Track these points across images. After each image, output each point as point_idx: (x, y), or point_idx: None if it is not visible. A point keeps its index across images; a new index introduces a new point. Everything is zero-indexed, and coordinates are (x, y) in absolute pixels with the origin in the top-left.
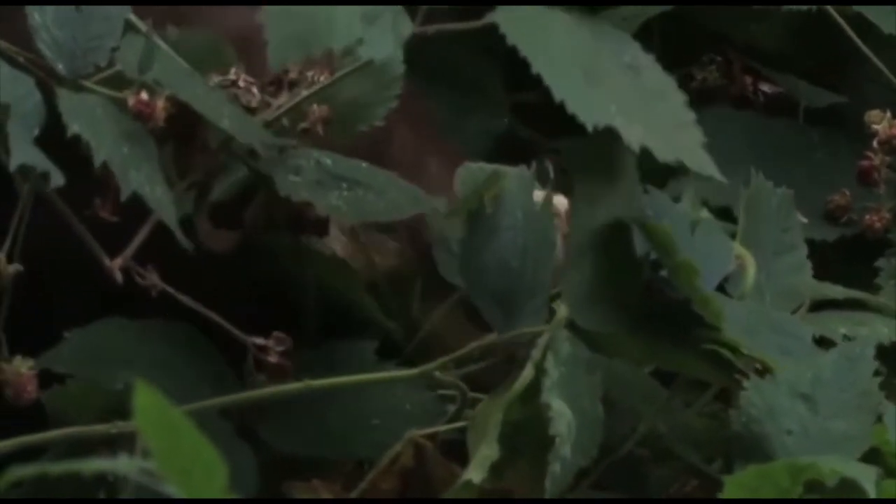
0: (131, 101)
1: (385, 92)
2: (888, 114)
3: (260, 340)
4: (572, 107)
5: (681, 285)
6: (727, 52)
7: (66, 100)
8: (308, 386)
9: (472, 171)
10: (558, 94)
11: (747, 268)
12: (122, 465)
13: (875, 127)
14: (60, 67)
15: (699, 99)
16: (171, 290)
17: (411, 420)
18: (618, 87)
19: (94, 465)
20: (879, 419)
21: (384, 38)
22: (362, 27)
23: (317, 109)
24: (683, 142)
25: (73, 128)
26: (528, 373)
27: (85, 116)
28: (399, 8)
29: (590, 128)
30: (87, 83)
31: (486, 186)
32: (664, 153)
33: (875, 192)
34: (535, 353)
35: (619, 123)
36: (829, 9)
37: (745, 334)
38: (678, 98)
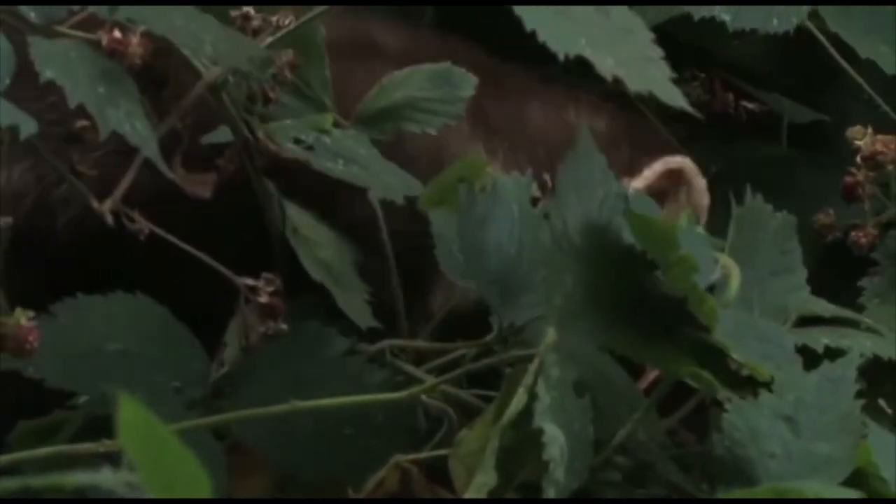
0: (104, 41)
1: (448, 106)
2: (870, 130)
3: (250, 281)
4: (543, 35)
5: (677, 282)
6: (710, 69)
7: (39, 46)
8: (294, 407)
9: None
10: (529, 23)
11: (731, 277)
12: (106, 479)
13: (857, 143)
14: (33, 16)
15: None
16: (160, 231)
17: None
18: (587, 21)
19: (79, 480)
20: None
21: None
22: None
23: (283, 55)
24: (653, 75)
25: (46, 74)
26: (520, 398)
27: (58, 61)
28: None
29: (561, 56)
30: (60, 28)
31: (472, 176)
32: (635, 84)
33: (859, 209)
34: (527, 378)
35: (590, 54)
36: (811, 27)
37: (732, 340)
38: (646, 35)
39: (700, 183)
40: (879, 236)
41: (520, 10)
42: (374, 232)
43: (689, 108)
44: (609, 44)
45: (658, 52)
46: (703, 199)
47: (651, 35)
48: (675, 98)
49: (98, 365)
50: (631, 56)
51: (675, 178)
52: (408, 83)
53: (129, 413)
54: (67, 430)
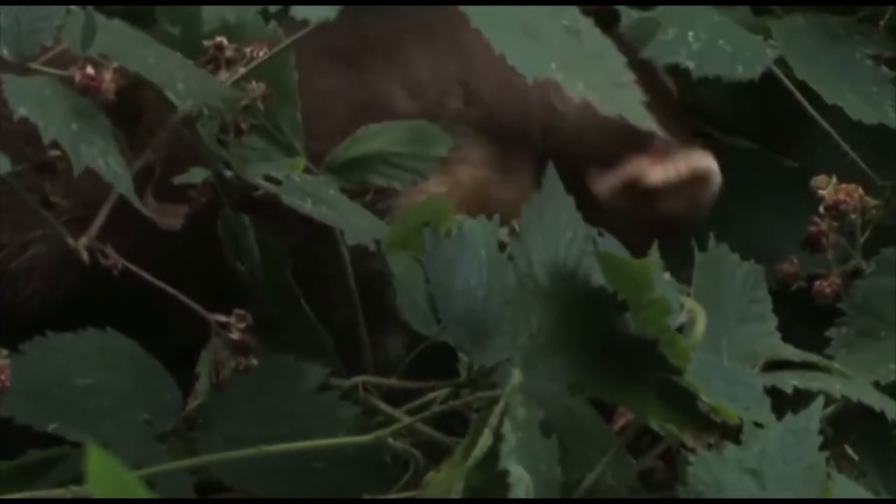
0: (77, 77)
1: (419, 163)
2: (834, 179)
3: (222, 317)
4: (512, 59)
5: (648, 324)
6: None
7: (12, 83)
8: (262, 452)
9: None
10: (498, 46)
11: (697, 320)
12: None
13: (821, 192)
14: (5, 52)
15: None
16: (133, 267)
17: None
18: (558, 46)
19: None
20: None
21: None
22: None
23: (256, 86)
24: (625, 99)
25: (20, 111)
26: (486, 439)
27: (32, 98)
28: None
29: (530, 80)
30: (34, 65)
31: (436, 220)
32: (607, 108)
33: (823, 258)
34: (493, 420)
35: (560, 78)
36: (779, 74)
37: (701, 382)
38: (618, 60)
39: (716, 186)
40: (844, 286)
41: (490, 32)
42: (340, 272)
43: (659, 132)
44: (580, 68)
45: (630, 76)
46: (710, 200)
47: (623, 59)
48: (646, 122)
49: (66, 401)
50: (603, 80)
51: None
52: (382, 136)
53: (99, 463)
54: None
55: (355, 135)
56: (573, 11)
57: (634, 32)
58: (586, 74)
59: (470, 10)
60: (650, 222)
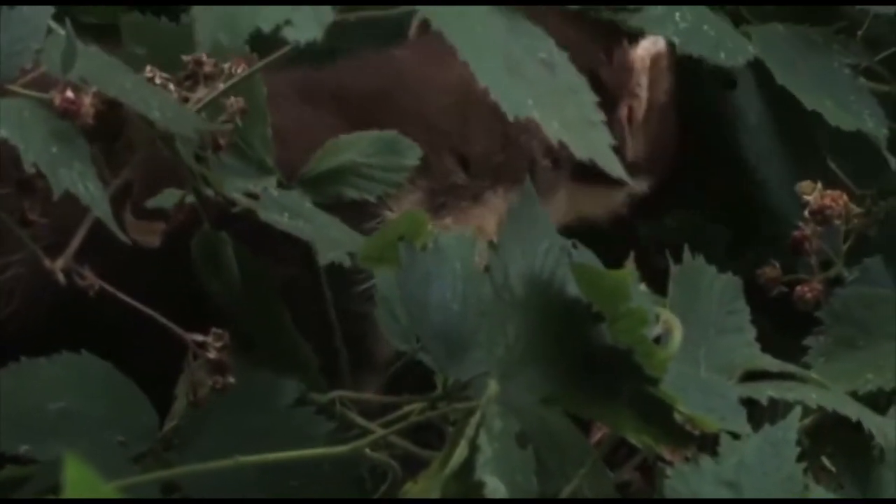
0: (57, 100)
1: (391, 174)
2: (819, 185)
3: (199, 337)
4: (495, 95)
5: (624, 334)
6: None
7: None
8: (238, 462)
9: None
10: (483, 80)
11: (674, 332)
12: None
13: (806, 198)
14: None
15: None
16: (110, 288)
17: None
18: (534, 80)
19: None
20: None
21: (309, 22)
22: (289, 9)
23: (234, 102)
24: (595, 140)
25: (1, 133)
26: (462, 450)
27: (12, 120)
28: None
29: (511, 118)
30: (13, 87)
31: (413, 234)
32: (580, 149)
33: (806, 263)
34: (469, 431)
35: (538, 117)
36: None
37: (677, 392)
38: (590, 97)
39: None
40: (825, 292)
41: (475, 67)
42: (315, 287)
43: (626, 179)
44: (554, 103)
45: (600, 115)
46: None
47: (594, 97)
48: (614, 167)
49: (40, 425)
50: (574, 118)
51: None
52: (352, 148)
53: (76, 474)
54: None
55: (325, 147)
56: (549, 43)
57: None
58: (560, 111)
59: (459, 42)
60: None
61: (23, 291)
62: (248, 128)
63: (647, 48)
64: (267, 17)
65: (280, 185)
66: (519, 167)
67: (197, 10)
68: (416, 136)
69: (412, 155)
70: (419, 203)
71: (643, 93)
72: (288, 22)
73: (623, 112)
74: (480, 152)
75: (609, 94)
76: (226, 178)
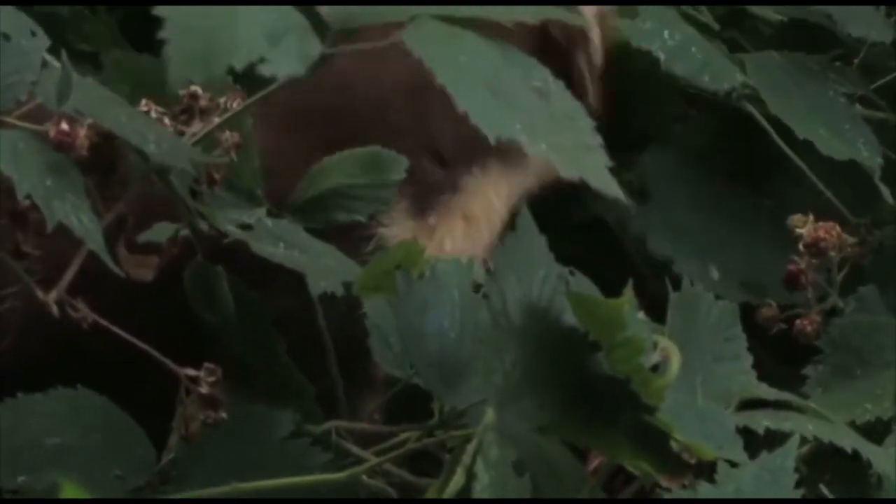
0: (52, 132)
1: (378, 192)
2: (811, 217)
3: (191, 371)
4: (474, 117)
5: (621, 363)
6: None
7: None
8: (235, 489)
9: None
10: (461, 104)
11: (672, 360)
12: None
13: (799, 231)
14: None
15: None
16: (104, 322)
17: None
18: (525, 107)
19: None
20: None
21: (288, 57)
22: (266, 46)
23: (229, 136)
24: (589, 163)
25: None
26: (458, 478)
27: (6, 152)
28: (307, 27)
29: (492, 140)
30: (8, 119)
31: (409, 262)
32: (568, 170)
33: (803, 296)
34: (465, 459)
35: (523, 140)
36: (752, 111)
37: (673, 420)
38: (586, 123)
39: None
40: (822, 324)
41: (452, 90)
42: (310, 318)
43: (622, 197)
44: (547, 130)
45: (597, 139)
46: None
47: (592, 122)
48: (610, 187)
49: (36, 460)
50: (569, 143)
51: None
52: (337, 170)
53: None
54: None
55: (311, 173)
56: (544, 72)
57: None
58: (552, 136)
59: (435, 67)
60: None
61: (18, 325)
62: (237, 159)
63: (592, 8)
64: (241, 54)
65: (270, 214)
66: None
67: (169, 48)
68: (387, 145)
69: (397, 169)
70: (407, 211)
71: (597, 41)
72: (263, 59)
73: (581, 61)
74: (449, 141)
75: (563, 48)
76: (219, 211)
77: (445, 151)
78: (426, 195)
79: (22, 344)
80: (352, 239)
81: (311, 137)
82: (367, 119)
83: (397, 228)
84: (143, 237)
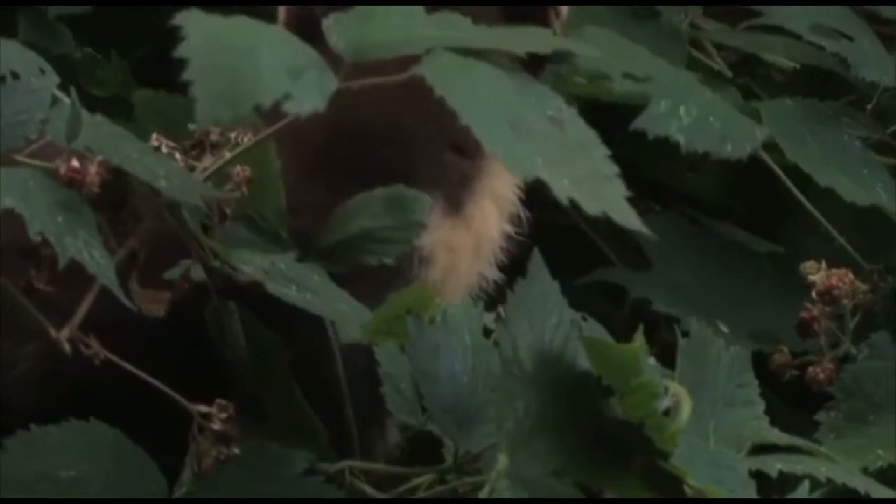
0: (62, 170)
1: (403, 233)
2: (824, 264)
3: (204, 408)
4: (501, 157)
5: (635, 408)
6: (667, 201)
7: None
8: None
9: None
10: (488, 143)
11: (683, 405)
12: None
13: (812, 278)
14: None
15: None
16: (115, 358)
17: None
18: (542, 139)
19: None
20: None
21: (310, 92)
22: (289, 83)
23: (241, 171)
24: (608, 195)
25: (5, 202)
26: None
27: (17, 190)
28: (322, 63)
29: (519, 179)
30: (18, 157)
31: (420, 307)
32: (591, 205)
33: (815, 343)
34: None
35: (546, 176)
36: (766, 158)
37: (686, 465)
38: (601, 151)
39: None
40: (835, 370)
41: (478, 131)
42: (329, 359)
43: (643, 229)
44: (564, 160)
45: (613, 168)
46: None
47: (606, 151)
48: (629, 219)
49: (49, 493)
50: (586, 173)
51: None
52: (361, 213)
53: None
54: None
55: (336, 216)
56: (558, 101)
57: (627, 101)
58: (570, 168)
59: (460, 106)
60: None
61: (35, 385)
62: (261, 199)
63: None
64: (267, 92)
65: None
66: None
67: (196, 87)
68: (408, 152)
69: (420, 208)
70: (444, 210)
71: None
72: (288, 95)
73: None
74: (461, 128)
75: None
76: (235, 250)
77: (463, 141)
78: (458, 189)
79: (38, 402)
80: (390, 279)
81: (329, 166)
82: (383, 133)
83: (438, 232)
84: (168, 274)
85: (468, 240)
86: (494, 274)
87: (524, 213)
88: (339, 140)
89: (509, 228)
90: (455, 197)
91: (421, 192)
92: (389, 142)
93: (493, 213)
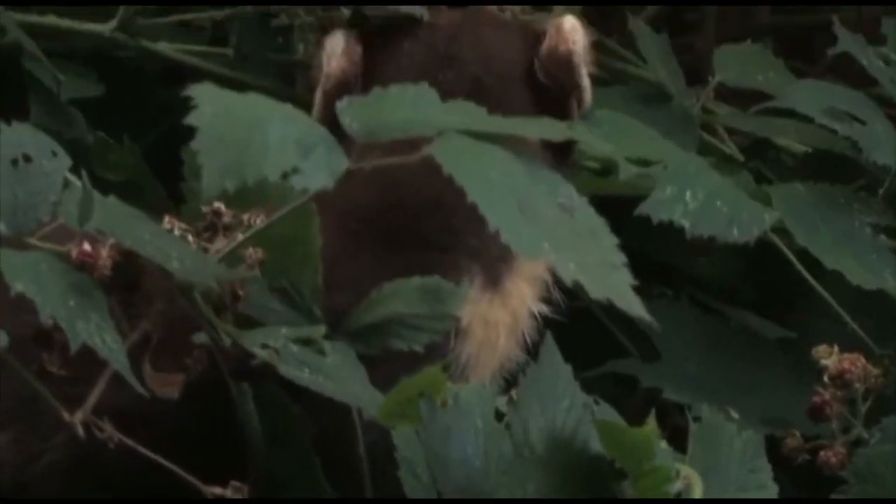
0: (74, 253)
1: (436, 323)
2: (836, 349)
3: (217, 490)
4: (507, 237)
5: (648, 492)
6: (676, 285)
7: (8, 258)
8: None
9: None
10: (493, 223)
11: (694, 487)
12: None
13: (824, 362)
14: (2, 226)
15: None
16: (130, 442)
17: None
18: (551, 224)
19: None
20: None
21: (319, 169)
22: (297, 158)
23: (253, 252)
24: (614, 282)
25: (17, 286)
26: None
27: (29, 274)
28: (333, 141)
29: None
30: (31, 240)
31: (432, 390)
32: (597, 291)
33: (827, 427)
34: None
35: (553, 259)
36: (777, 242)
37: None
38: (610, 240)
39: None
40: (847, 455)
41: (484, 209)
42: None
43: (647, 317)
44: (573, 247)
45: (621, 258)
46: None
47: (615, 240)
48: (635, 307)
49: None
50: (594, 261)
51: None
52: (396, 297)
53: None
54: None
55: (370, 297)
56: (569, 188)
57: (632, 187)
58: (578, 254)
59: (467, 184)
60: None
61: (61, 477)
62: (298, 274)
63: (575, 39)
64: (274, 164)
65: (326, 337)
66: None
67: (204, 156)
68: (447, 227)
69: (455, 302)
70: (483, 285)
71: (585, 81)
72: (296, 169)
73: (573, 105)
74: None
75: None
76: (249, 332)
77: None
78: (497, 264)
79: (68, 488)
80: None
81: (373, 239)
82: (426, 205)
83: (476, 306)
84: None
85: (505, 316)
86: (521, 356)
87: (558, 295)
88: (383, 213)
89: (543, 308)
90: (494, 272)
91: (457, 287)
92: (432, 214)
93: (528, 291)
